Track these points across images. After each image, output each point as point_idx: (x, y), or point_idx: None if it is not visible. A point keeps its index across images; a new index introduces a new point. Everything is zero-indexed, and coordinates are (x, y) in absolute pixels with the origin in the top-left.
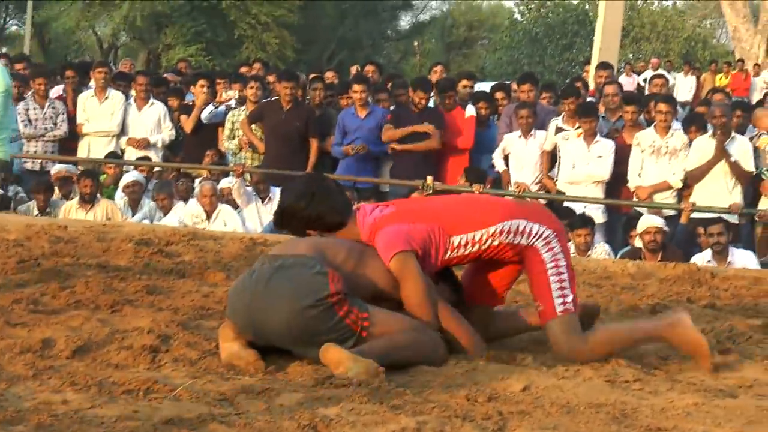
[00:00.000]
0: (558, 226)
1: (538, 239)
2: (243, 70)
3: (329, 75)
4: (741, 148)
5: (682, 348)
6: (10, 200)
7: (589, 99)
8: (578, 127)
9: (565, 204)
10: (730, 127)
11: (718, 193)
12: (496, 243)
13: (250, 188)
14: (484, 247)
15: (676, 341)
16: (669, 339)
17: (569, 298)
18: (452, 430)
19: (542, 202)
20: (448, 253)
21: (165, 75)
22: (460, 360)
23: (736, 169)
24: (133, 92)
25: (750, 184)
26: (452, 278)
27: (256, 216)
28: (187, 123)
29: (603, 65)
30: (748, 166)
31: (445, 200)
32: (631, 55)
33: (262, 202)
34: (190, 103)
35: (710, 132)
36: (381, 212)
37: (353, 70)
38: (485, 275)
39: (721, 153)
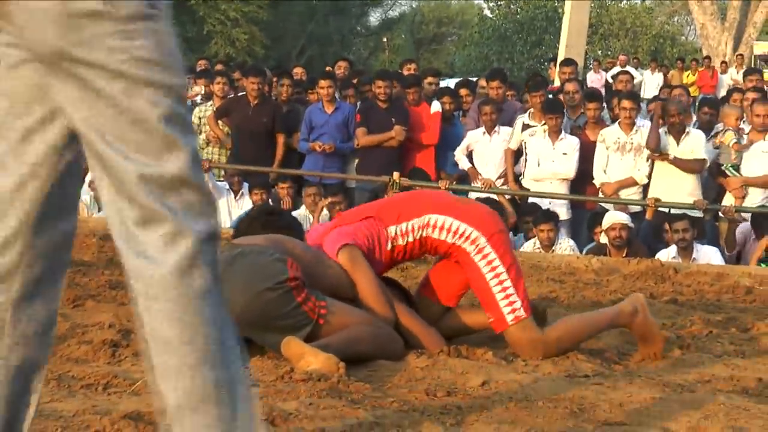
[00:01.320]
0: (492, 229)
1: (464, 241)
2: (201, 63)
3: (298, 71)
4: (691, 142)
5: (641, 332)
6: None
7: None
8: (545, 123)
9: (530, 200)
10: (683, 124)
11: (676, 185)
12: (424, 235)
13: (221, 183)
14: (417, 238)
15: (638, 322)
16: (631, 322)
17: (518, 304)
18: (411, 424)
19: (507, 197)
20: (388, 243)
21: None
22: (421, 354)
23: (680, 164)
24: None
25: (713, 179)
26: (398, 285)
27: (226, 211)
28: None
29: (566, 62)
30: (698, 155)
31: (383, 199)
32: (599, 52)
33: (235, 197)
34: None
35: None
36: (323, 227)
37: (328, 69)
38: (439, 278)
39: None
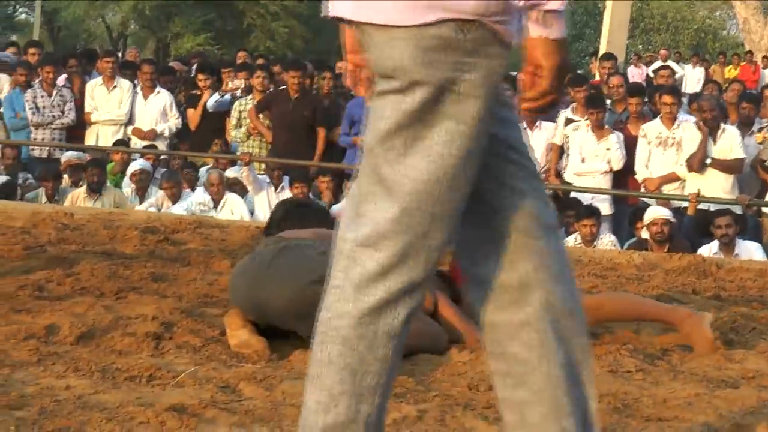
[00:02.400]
0: None
1: None
2: (241, 55)
3: (340, 65)
4: (727, 140)
5: (691, 338)
6: (16, 187)
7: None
8: (588, 118)
9: (572, 194)
10: (717, 120)
11: (712, 183)
12: None
13: (262, 175)
14: None
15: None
16: (680, 324)
17: None
18: (453, 418)
19: (548, 192)
20: None
21: (171, 64)
22: (463, 349)
23: (720, 166)
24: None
25: (756, 174)
26: (445, 276)
27: (266, 203)
28: (192, 118)
29: (607, 56)
30: (736, 154)
31: None
32: (640, 46)
33: (275, 189)
34: (198, 93)
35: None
36: None
37: None
38: None
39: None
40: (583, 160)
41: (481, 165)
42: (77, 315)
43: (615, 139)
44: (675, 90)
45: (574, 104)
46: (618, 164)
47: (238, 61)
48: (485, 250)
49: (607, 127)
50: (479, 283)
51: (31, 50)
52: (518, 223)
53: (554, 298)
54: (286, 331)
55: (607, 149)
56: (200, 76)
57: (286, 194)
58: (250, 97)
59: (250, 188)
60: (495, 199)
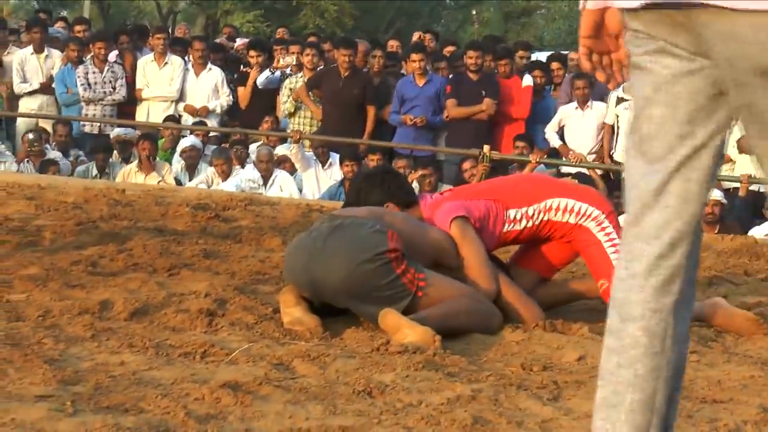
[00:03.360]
0: (608, 207)
1: (587, 219)
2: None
3: (392, 43)
4: None
5: (729, 325)
6: (52, 163)
7: None
8: None
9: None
10: None
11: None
12: (546, 218)
13: (309, 153)
14: (537, 222)
15: (720, 320)
16: (712, 316)
17: None
18: (507, 398)
19: (599, 172)
20: (506, 225)
21: (218, 41)
22: (516, 328)
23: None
24: (190, 57)
25: None
26: (497, 259)
27: (314, 181)
28: (242, 96)
29: None
30: None
31: (499, 179)
32: None
33: (322, 166)
34: (248, 70)
35: None
36: (440, 195)
37: (415, 37)
38: (539, 249)
39: None
40: None
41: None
42: (130, 291)
43: None
44: None
45: (626, 83)
46: None
47: (277, 37)
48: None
49: None
50: (637, 256)
51: (78, 27)
52: (700, 210)
53: (688, 295)
54: (339, 309)
55: None
56: (252, 53)
57: (335, 170)
58: (300, 74)
59: (298, 166)
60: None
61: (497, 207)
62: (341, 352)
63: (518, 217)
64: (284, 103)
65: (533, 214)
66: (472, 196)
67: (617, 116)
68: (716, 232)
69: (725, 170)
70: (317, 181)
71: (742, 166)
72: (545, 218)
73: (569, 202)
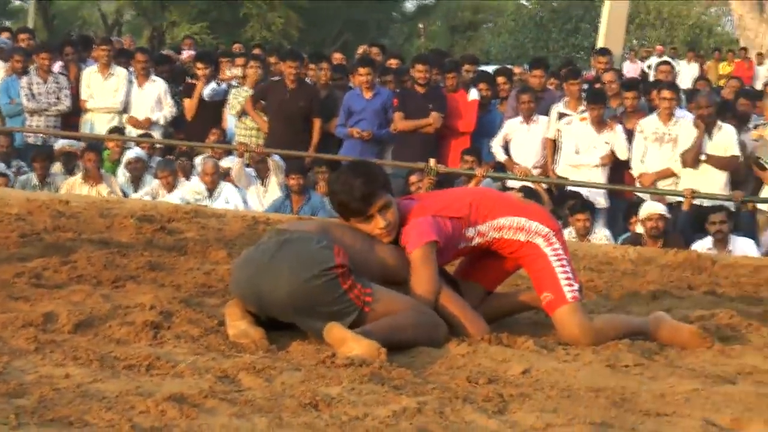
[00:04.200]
0: (556, 225)
1: (537, 236)
2: (236, 47)
3: (337, 56)
4: (723, 136)
5: (673, 339)
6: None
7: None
8: (582, 111)
9: (569, 188)
10: (713, 117)
11: (706, 179)
12: (497, 236)
13: (250, 170)
14: (488, 239)
15: (664, 333)
16: (655, 332)
17: (576, 287)
18: (453, 411)
19: (544, 186)
20: (461, 243)
21: (164, 52)
22: (461, 342)
23: (715, 163)
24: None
25: (750, 171)
26: (448, 275)
27: (257, 198)
28: (189, 108)
29: (602, 51)
30: (731, 151)
31: (454, 192)
32: (635, 42)
33: (262, 183)
34: (195, 82)
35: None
36: (407, 201)
37: (360, 50)
38: (483, 262)
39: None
40: (577, 152)
41: None
42: (75, 303)
43: (620, 130)
44: (674, 86)
45: (566, 98)
46: (624, 154)
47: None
48: None
49: (608, 120)
50: None
51: (22, 36)
52: None
53: None
54: (285, 323)
55: (606, 143)
56: (198, 65)
57: (273, 187)
58: (245, 87)
59: (240, 184)
60: None
61: (461, 224)
62: (287, 365)
63: (472, 234)
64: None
65: (486, 231)
66: (444, 211)
67: (559, 131)
68: (660, 246)
69: (669, 185)
70: (259, 198)
71: (686, 180)
72: (497, 236)
73: (521, 221)
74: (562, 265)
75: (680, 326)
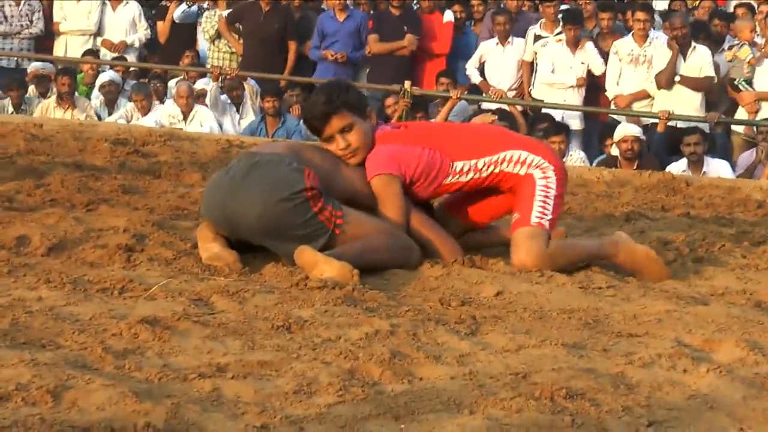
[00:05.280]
0: (558, 163)
1: (535, 169)
2: None
3: None
4: (697, 58)
5: (630, 263)
6: None
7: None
8: (558, 33)
9: (543, 111)
10: (688, 38)
11: (681, 101)
12: (496, 171)
13: (224, 97)
14: (484, 175)
15: (622, 257)
16: (614, 255)
17: (547, 218)
18: (425, 333)
19: (519, 108)
20: (449, 177)
21: None
22: (435, 264)
23: (688, 83)
24: None
25: (724, 93)
26: (426, 204)
27: (232, 128)
28: (162, 30)
29: None
30: (705, 72)
31: (451, 127)
32: None
33: (237, 110)
34: (168, 4)
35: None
36: (390, 129)
37: None
38: (476, 200)
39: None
40: (553, 71)
41: None
42: (48, 226)
43: (591, 47)
44: (648, 7)
45: (542, 20)
46: (599, 69)
47: None
48: None
49: (581, 39)
50: None
51: None
52: None
53: None
54: (257, 245)
55: (582, 63)
56: None
57: (249, 113)
58: (218, 10)
59: (214, 112)
60: None
61: (442, 158)
62: (260, 288)
63: (465, 169)
64: (210, 39)
65: (483, 167)
66: (419, 142)
67: (535, 53)
68: (635, 168)
69: (644, 106)
70: (234, 125)
71: (661, 102)
72: (496, 170)
73: (522, 154)
74: (546, 196)
75: (636, 248)
